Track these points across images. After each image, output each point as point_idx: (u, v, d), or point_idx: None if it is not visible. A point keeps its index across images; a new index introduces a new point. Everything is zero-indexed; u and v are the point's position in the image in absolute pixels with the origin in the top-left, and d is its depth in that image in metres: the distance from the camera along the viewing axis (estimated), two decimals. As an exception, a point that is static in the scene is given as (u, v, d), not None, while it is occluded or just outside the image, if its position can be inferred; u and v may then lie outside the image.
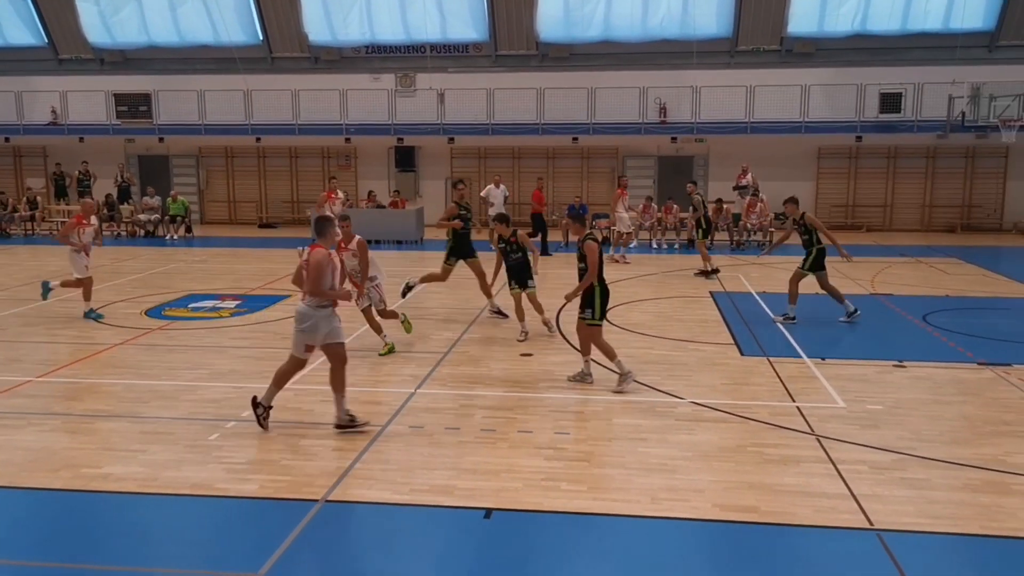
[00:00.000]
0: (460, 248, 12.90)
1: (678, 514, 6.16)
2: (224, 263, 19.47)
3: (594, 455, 7.28)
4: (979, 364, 10.05)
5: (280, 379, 7.89)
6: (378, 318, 10.77)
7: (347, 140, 26.28)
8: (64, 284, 13.14)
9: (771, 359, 10.36)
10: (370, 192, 24.25)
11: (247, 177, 27.96)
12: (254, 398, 7.88)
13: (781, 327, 12.07)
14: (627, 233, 19.53)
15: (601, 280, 9.01)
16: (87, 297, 12.87)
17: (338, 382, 7.79)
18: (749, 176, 22.54)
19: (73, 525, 6.16)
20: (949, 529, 5.93)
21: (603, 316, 9.15)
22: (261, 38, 26.92)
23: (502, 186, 21.53)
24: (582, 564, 5.55)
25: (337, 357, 7.79)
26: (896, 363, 10.14)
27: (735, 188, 22.84)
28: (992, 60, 23.81)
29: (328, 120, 25.82)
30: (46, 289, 13.23)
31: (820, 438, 7.63)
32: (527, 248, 11.37)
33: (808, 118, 24.03)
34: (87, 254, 12.90)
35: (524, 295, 11.47)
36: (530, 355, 10.66)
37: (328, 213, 17.03)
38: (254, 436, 7.74)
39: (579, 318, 9.21)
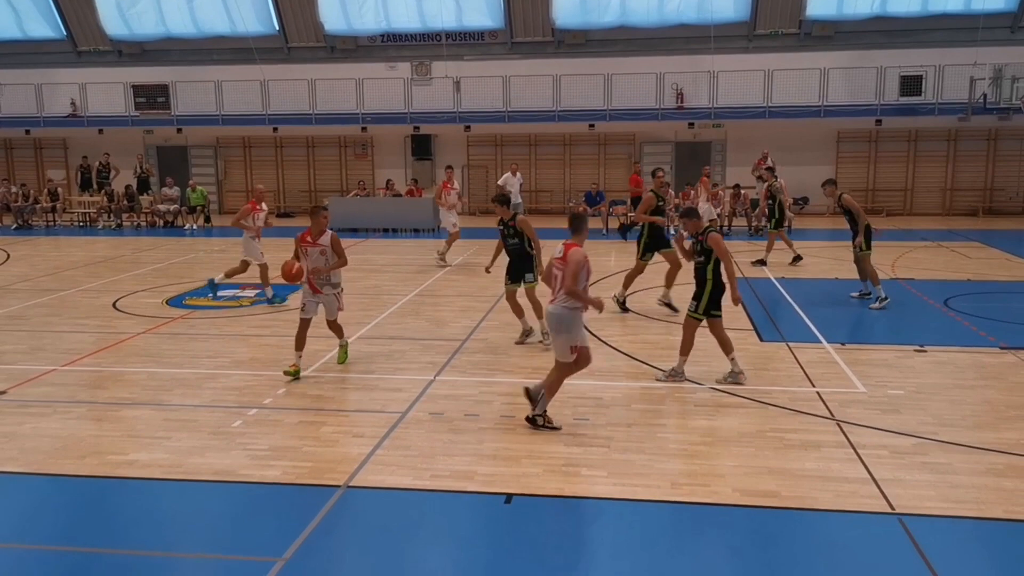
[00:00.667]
0: (656, 241, 12.26)
1: (698, 499, 6.17)
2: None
3: (614, 441, 7.30)
4: (1001, 348, 9.96)
5: (553, 388, 7.55)
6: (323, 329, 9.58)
7: (363, 129, 26.31)
8: (228, 274, 13.33)
9: (790, 344, 10.33)
10: (388, 181, 24.30)
11: (265, 167, 28.09)
12: (529, 417, 7.51)
13: (800, 313, 12.00)
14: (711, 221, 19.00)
15: (716, 273, 8.70)
16: (266, 282, 12.98)
17: (555, 383, 7.55)
18: (769, 161, 22.33)
19: (99, 511, 6.25)
20: (972, 513, 5.91)
21: (709, 309, 8.76)
22: (277, 28, 26.97)
23: (518, 174, 21.54)
24: (603, 549, 5.58)
25: (584, 359, 7.52)
26: (917, 348, 10.07)
27: (755, 174, 22.64)
28: (1015, 41, 23.44)
29: (344, 109, 25.86)
30: (212, 286, 13.43)
31: (840, 423, 7.61)
32: (527, 235, 10.29)
33: (827, 102, 23.79)
34: (259, 239, 13.03)
35: (522, 289, 10.53)
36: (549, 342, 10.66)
37: (442, 203, 17.05)
38: (276, 423, 7.82)
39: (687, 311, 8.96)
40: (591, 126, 25.10)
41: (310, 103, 26.05)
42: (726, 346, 8.83)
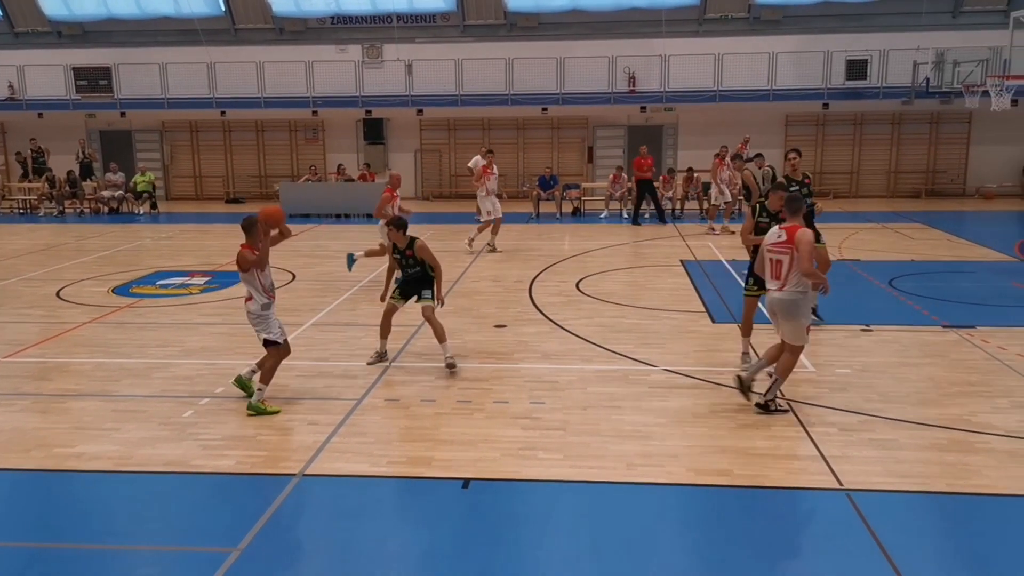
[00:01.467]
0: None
1: (653, 479, 6.26)
2: (192, 239, 19.22)
3: (570, 424, 7.35)
4: (944, 327, 10.25)
5: (786, 372, 7.49)
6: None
7: (314, 113, 25.95)
8: (368, 254, 13.39)
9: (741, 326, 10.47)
10: (339, 166, 24.01)
11: (213, 152, 27.54)
12: (760, 404, 7.43)
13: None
14: (726, 203, 18.97)
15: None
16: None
17: (789, 367, 7.47)
18: (748, 148, 22.53)
19: (48, 505, 6.11)
20: (916, 488, 6.09)
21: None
22: (223, 9, 26.39)
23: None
24: (560, 531, 5.63)
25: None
26: (864, 327, 10.31)
27: (737, 157, 22.73)
28: (956, 26, 24.00)
29: (294, 93, 25.46)
30: (351, 260, 13.42)
31: (791, 402, 7.77)
32: (428, 263, 9.05)
33: (776, 86, 24.11)
34: None
35: (421, 306, 9.14)
36: (504, 326, 10.69)
37: (483, 192, 16.49)
38: (229, 412, 7.71)
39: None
40: (544, 110, 25.10)
41: (259, 86, 25.58)
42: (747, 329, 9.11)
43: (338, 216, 22.07)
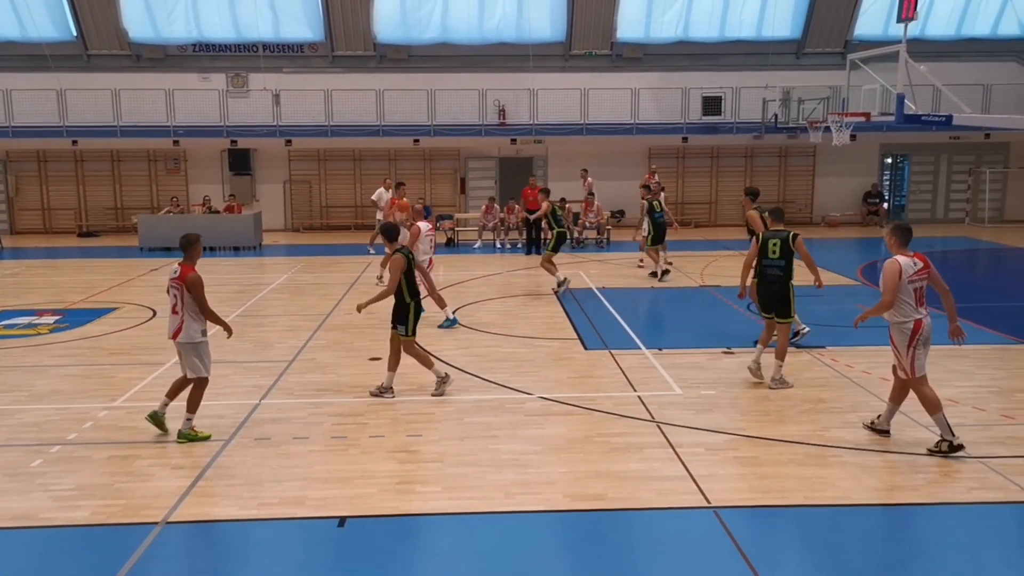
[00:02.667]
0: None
1: (531, 507, 6.31)
2: (39, 275, 18.01)
3: (447, 455, 7.32)
4: (797, 348, 10.88)
5: (898, 397, 7.52)
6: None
7: (175, 143, 24.95)
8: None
9: (612, 352, 10.78)
10: (205, 197, 23.15)
11: (63, 183, 25.94)
12: (932, 449, 7.22)
13: (621, 321, 12.56)
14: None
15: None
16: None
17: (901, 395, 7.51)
18: (656, 178, 23.26)
19: None
20: (777, 502, 6.41)
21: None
22: (75, 34, 25.07)
23: (390, 190, 20.94)
24: (440, 564, 5.58)
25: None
26: (725, 350, 10.81)
27: (643, 187, 23.38)
28: (800, 66, 25.79)
29: (153, 122, 24.40)
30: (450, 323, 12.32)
31: (660, 424, 8.03)
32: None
33: (639, 120, 25.12)
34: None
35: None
36: (379, 359, 10.55)
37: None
38: (83, 460, 7.23)
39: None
40: (416, 141, 25.12)
41: (114, 114, 24.37)
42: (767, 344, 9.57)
43: (203, 249, 21.15)
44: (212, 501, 6.40)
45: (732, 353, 10.67)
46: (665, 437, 7.69)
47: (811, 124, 21.49)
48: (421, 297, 8.99)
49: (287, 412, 8.48)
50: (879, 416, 7.75)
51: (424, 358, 9.01)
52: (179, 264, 7.96)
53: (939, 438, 7.23)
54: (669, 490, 6.58)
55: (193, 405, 7.73)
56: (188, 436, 7.67)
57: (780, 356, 9.29)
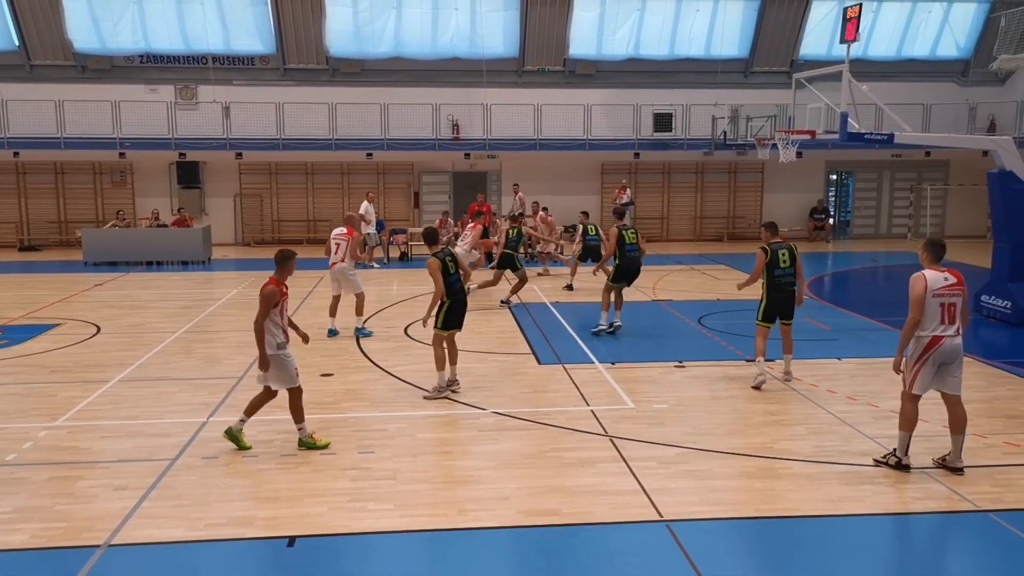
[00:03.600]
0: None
1: (485, 523, 6.27)
2: (-22, 291, 17.45)
3: (400, 472, 7.25)
4: (747, 361, 11.02)
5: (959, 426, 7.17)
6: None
7: (122, 155, 24.45)
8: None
9: (566, 366, 10.81)
10: (153, 211, 22.71)
11: (4, 196, 25.23)
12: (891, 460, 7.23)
13: (575, 336, 12.61)
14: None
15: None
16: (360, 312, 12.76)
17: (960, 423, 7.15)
18: (628, 192, 23.59)
19: None
20: (729, 514, 6.47)
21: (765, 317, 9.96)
22: (17, 44, 24.47)
23: (374, 202, 21.39)
24: (391, 583, 5.51)
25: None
26: (677, 364, 10.93)
27: (617, 202, 23.69)
28: (748, 84, 26.34)
29: (99, 134, 23.89)
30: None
31: (613, 439, 8.06)
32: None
33: (591, 136, 25.36)
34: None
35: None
36: (331, 375, 10.44)
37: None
38: (21, 482, 7.00)
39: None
40: (369, 155, 25.01)
41: (58, 126, 23.81)
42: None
43: (149, 264, 20.81)
44: (157, 523, 6.24)
45: (684, 367, 10.79)
46: (618, 451, 7.73)
47: (759, 141, 21.91)
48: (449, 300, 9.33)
49: (236, 430, 8.31)
50: (893, 450, 7.33)
51: (440, 359, 9.37)
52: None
53: (890, 451, 7.32)
54: (622, 504, 6.60)
55: (298, 415, 7.80)
56: (307, 444, 7.75)
57: (791, 351, 10.11)
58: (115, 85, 24.52)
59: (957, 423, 7.12)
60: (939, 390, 7.16)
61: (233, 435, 7.76)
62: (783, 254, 9.89)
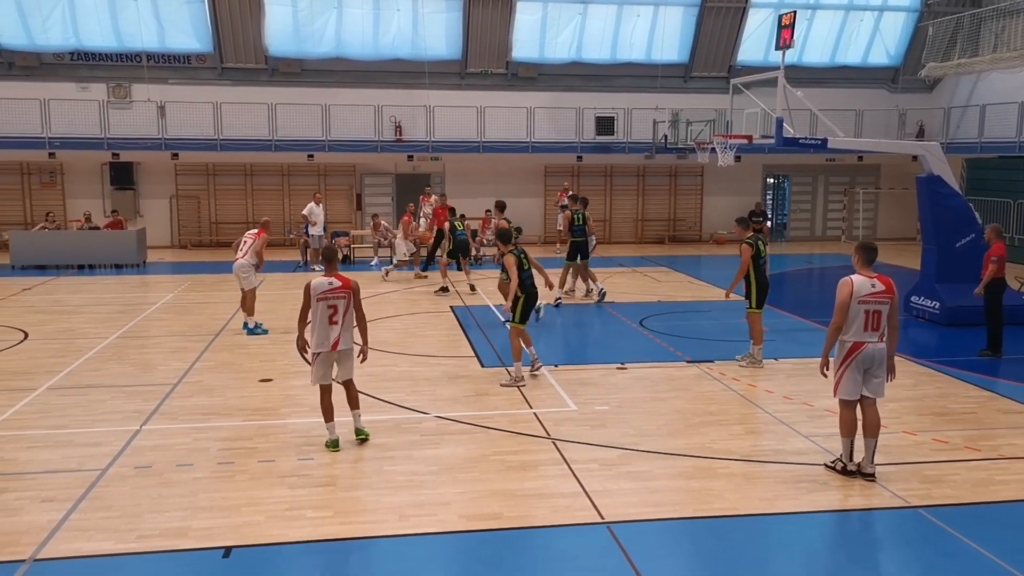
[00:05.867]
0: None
1: (426, 529, 6.22)
2: None
3: (340, 478, 7.15)
4: (687, 362, 11.20)
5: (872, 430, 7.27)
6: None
7: (51, 155, 23.65)
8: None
9: (509, 369, 10.80)
10: (85, 212, 22.02)
11: (-76, 196, 24.24)
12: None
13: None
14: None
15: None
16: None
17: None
18: (569, 194, 23.63)
19: None
20: (668, 515, 6.54)
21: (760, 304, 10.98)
22: (-62, 38, 23.51)
23: (321, 204, 20.97)
24: (330, 592, 5.42)
25: None
26: (619, 365, 11.02)
27: (559, 205, 23.75)
28: (687, 89, 26.73)
29: (27, 133, 23.08)
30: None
31: (555, 441, 8.08)
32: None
33: (534, 138, 25.43)
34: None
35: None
36: (270, 380, 10.26)
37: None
38: (-59, 496, 6.70)
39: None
40: (310, 156, 24.66)
41: (-17, 124, 22.93)
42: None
43: (80, 267, 20.18)
44: (86, 535, 6.04)
45: (626, 368, 10.88)
46: (560, 454, 7.75)
47: (698, 145, 22.26)
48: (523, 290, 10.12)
49: (170, 438, 8.11)
50: (840, 456, 7.36)
51: (518, 350, 10.08)
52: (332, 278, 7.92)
53: (836, 457, 7.40)
54: (564, 507, 6.62)
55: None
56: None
57: (759, 340, 10.99)
58: (44, 83, 23.73)
59: (870, 427, 7.16)
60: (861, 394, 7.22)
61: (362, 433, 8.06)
62: (762, 244, 10.92)
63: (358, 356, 8.20)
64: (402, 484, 7.04)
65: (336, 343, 7.81)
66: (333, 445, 7.81)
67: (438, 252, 18.73)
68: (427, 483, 7.07)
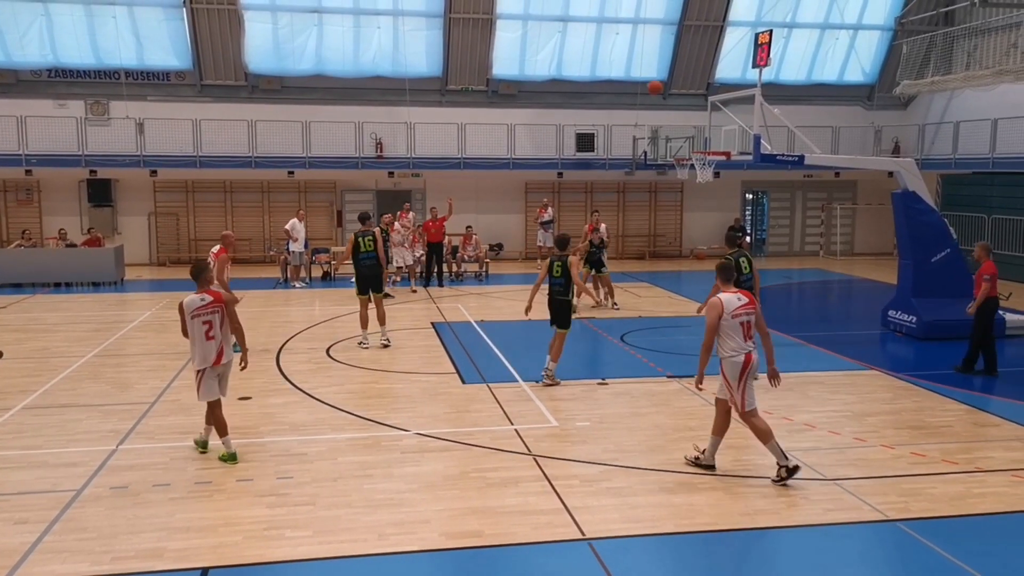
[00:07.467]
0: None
1: (406, 548, 6.18)
2: None
3: (319, 497, 7.10)
4: (668, 377, 11.22)
5: (721, 429, 7.76)
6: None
7: (28, 172, 23.45)
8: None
9: (490, 385, 10.79)
10: (60, 230, 21.82)
11: (-102, 214, 23.93)
12: None
13: (499, 354, 12.61)
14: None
15: None
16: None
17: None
18: (549, 211, 23.78)
19: None
20: (649, 531, 6.53)
21: None
22: (-87, 54, 23.31)
23: (304, 221, 21.06)
24: (309, 613, 5.37)
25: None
26: (600, 381, 11.02)
27: (539, 222, 23.81)
28: (666, 106, 26.92)
29: (3, 150, 22.87)
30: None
31: (536, 457, 8.07)
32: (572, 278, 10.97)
33: (515, 155, 25.51)
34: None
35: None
36: (249, 398, 10.17)
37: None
38: (-89, 519, 6.58)
39: None
40: (291, 173, 24.61)
41: (-42, 141, 22.71)
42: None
43: (56, 285, 19.97)
44: (60, 558, 5.94)
45: (607, 384, 10.89)
46: (541, 470, 7.73)
47: (678, 161, 22.41)
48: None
49: (147, 458, 8.02)
50: (703, 451, 7.82)
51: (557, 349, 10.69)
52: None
53: (776, 466, 7.48)
54: (545, 524, 6.60)
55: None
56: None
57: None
58: (21, 100, 23.56)
59: (719, 428, 7.70)
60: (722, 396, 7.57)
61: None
62: (743, 261, 10.83)
63: (239, 364, 8.23)
64: (382, 502, 7.00)
65: (219, 357, 7.83)
66: (231, 458, 7.83)
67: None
68: (407, 501, 7.02)
